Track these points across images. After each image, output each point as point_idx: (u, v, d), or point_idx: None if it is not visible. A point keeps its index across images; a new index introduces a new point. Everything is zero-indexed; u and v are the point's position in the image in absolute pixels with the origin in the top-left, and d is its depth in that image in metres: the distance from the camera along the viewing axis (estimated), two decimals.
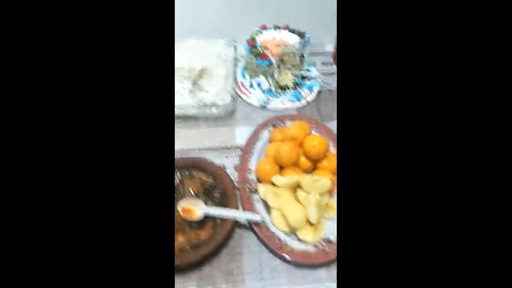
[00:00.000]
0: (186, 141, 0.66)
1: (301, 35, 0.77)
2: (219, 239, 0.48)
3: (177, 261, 0.45)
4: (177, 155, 0.62)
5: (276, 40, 0.77)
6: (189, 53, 0.75)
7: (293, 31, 0.78)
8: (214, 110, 0.69)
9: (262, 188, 0.54)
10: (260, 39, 0.77)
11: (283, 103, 0.73)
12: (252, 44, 0.74)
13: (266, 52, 0.73)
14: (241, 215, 0.50)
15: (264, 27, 0.79)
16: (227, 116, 0.71)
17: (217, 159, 0.62)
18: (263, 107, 0.73)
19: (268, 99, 0.73)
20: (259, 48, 0.74)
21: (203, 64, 0.74)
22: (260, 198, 0.54)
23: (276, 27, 0.79)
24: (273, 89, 0.74)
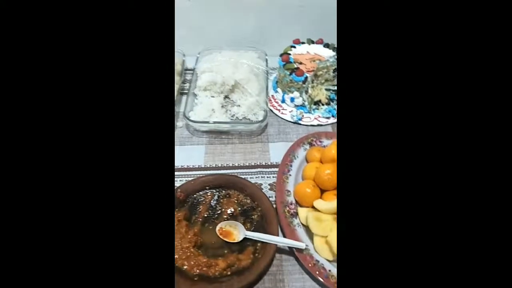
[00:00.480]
0: (220, 158, 0.65)
1: (335, 49, 0.76)
2: (262, 265, 0.46)
3: None
4: (210, 173, 0.61)
5: (309, 54, 0.76)
6: (221, 67, 0.74)
7: (327, 45, 0.77)
8: (247, 126, 0.68)
9: (303, 213, 0.52)
10: (294, 53, 0.76)
11: (317, 118, 0.72)
12: (286, 59, 0.73)
13: (301, 67, 0.71)
14: (284, 242, 0.48)
15: (298, 42, 0.78)
16: (260, 131, 0.69)
17: (252, 177, 0.61)
18: (297, 123, 0.71)
19: (302, 114, 0.72)
20: (293, 63, 0.72)
21: (235, 78, 0.73)
22: (301, 222, 0.52)
23: (310, 42, 0.78)
24: (306, 104, 0.73)
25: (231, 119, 0.71)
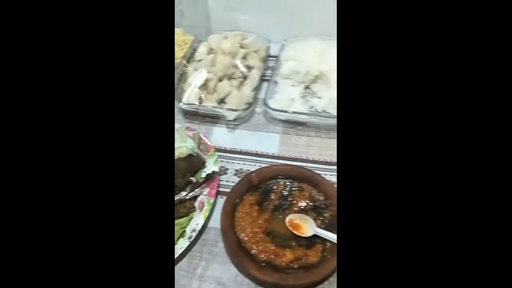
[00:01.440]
0: (293, 149, 0.64)
1: None
2: (331, 266, 0.45)
3: (288, 280, 0.44)
4: (283, 162, 0.61)
5: None
6: (306, 56, 0.72)
7: None
8: (326, 119, 0.66)
9: None
10: None
11: None
12: None
13: None
14: None
15: None
16: None
17: (326, 174, 0.59)
18: None
19: None
20: None
21: (321, 68, 0.70)
22: None
23: None
24: None
25: (310, 111, 0.69)
